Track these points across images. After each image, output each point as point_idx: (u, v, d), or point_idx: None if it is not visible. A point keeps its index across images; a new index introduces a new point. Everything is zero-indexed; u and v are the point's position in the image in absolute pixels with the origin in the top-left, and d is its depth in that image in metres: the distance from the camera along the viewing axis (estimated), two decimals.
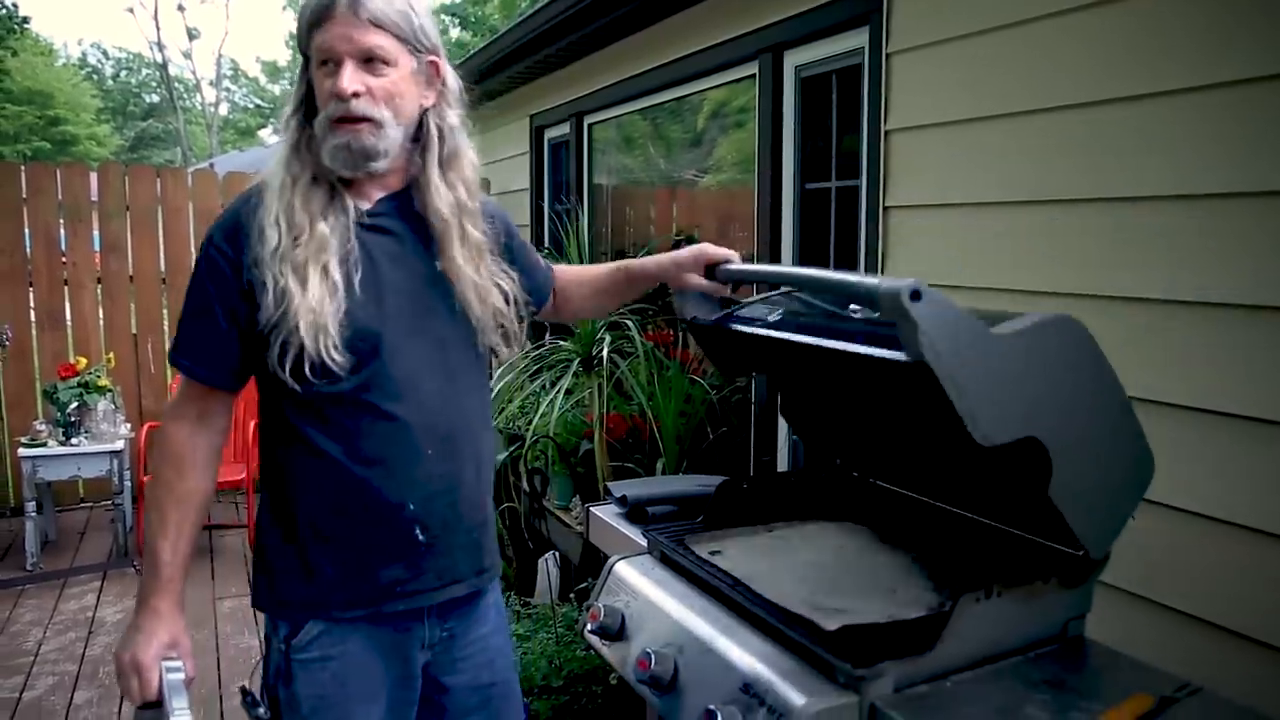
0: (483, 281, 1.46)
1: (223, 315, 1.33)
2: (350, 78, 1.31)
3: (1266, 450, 1.55)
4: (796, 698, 1.19)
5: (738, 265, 1.58)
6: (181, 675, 1.32)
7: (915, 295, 1.04)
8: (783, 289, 1.57)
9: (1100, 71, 1.81)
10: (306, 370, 1.31)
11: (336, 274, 1.33)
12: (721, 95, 3.62)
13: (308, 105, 1.39)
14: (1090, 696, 1.22)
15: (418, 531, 1.39)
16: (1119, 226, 1.79)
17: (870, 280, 1.13)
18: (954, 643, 1.22)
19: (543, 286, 1.70)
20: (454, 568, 1.45)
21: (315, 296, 1.29)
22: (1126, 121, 1.77)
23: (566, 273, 1.78)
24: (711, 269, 1.58)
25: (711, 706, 1.25)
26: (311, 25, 1.32)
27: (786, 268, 1.37)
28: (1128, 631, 1.51)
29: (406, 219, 1.44)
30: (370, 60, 1.32)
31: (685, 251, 1.60)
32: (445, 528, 1.42)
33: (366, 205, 1.42)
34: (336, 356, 1.30)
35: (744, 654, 1.30)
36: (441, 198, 1.43)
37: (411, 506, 1.38)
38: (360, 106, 1.32)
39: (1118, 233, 1.79)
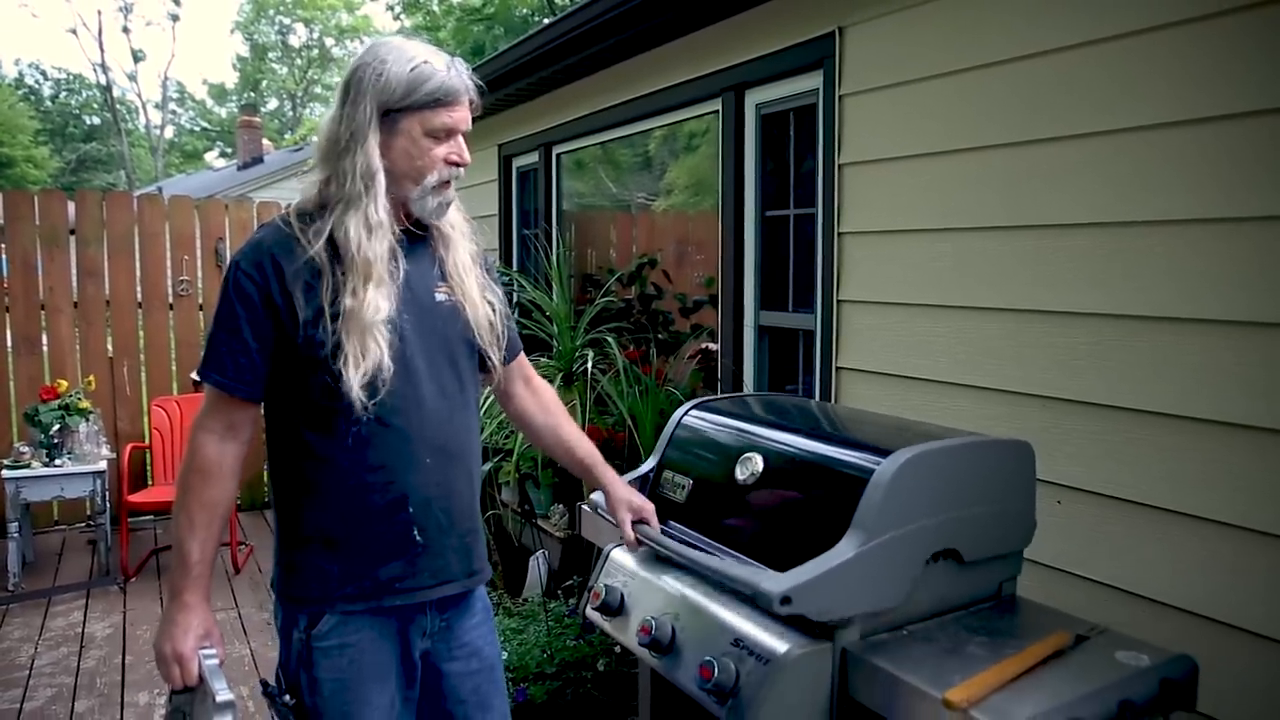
0: (477, 296, 1.64)
1: (251, 335, 1.47)
2: (467, 152, 1.56)
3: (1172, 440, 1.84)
4: (780, 645, 1.43)
5: (654, 530, 1.77)
6: (217, 660, 1.47)
7: (785, 600, 1.37)
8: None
9: (1026, 115, 2.10)
10: (366, 382, 1.45)
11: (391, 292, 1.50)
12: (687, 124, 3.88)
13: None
14: (1020, 636, 1.48)
15: (415, 533, 1.55)
16: (1043, 249, 2.08)
17: (753, 578, 1.44)
18: (910, 600, 1.48)
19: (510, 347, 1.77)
20: (447, 568, 1.60)
21: (381, 311, 1.47)
22: (1047, 159, 2.06)
23: (542, 388, 1.89)
24: (639, 521, 1.79)
25: (708, 658, 1.49)
26: (437, 102, 1.49)
27: (693, 553, 1.65)
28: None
29: (416, 240, 1.61)
30: None
31: (638, 500, 1.80)
32: (440, 531, 1.58)
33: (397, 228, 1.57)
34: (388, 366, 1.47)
35: (733, 615, 1.53)
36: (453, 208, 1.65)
37: (410, 509, 1.54)
38: None
39: (1041, 255, 2.08)
